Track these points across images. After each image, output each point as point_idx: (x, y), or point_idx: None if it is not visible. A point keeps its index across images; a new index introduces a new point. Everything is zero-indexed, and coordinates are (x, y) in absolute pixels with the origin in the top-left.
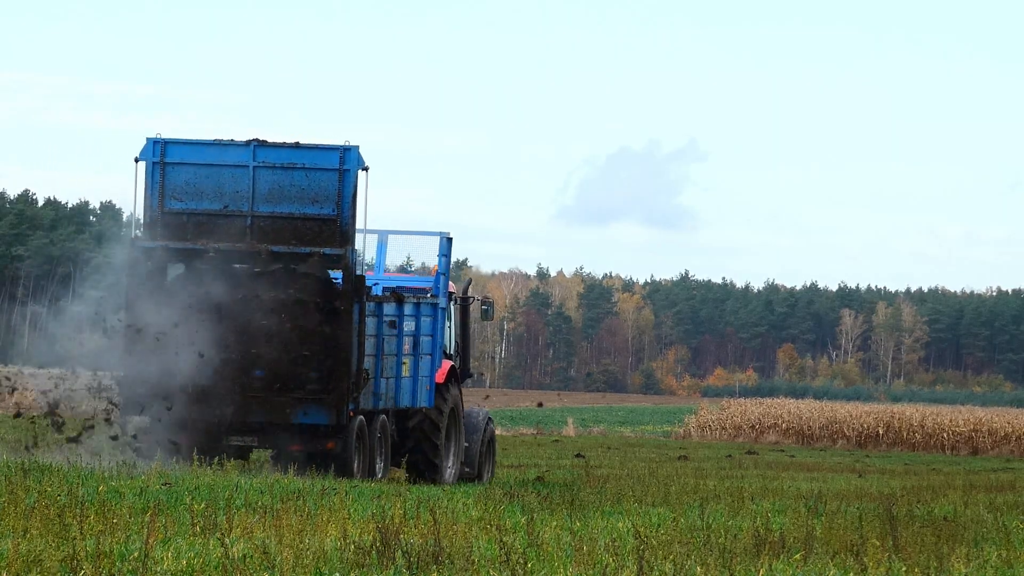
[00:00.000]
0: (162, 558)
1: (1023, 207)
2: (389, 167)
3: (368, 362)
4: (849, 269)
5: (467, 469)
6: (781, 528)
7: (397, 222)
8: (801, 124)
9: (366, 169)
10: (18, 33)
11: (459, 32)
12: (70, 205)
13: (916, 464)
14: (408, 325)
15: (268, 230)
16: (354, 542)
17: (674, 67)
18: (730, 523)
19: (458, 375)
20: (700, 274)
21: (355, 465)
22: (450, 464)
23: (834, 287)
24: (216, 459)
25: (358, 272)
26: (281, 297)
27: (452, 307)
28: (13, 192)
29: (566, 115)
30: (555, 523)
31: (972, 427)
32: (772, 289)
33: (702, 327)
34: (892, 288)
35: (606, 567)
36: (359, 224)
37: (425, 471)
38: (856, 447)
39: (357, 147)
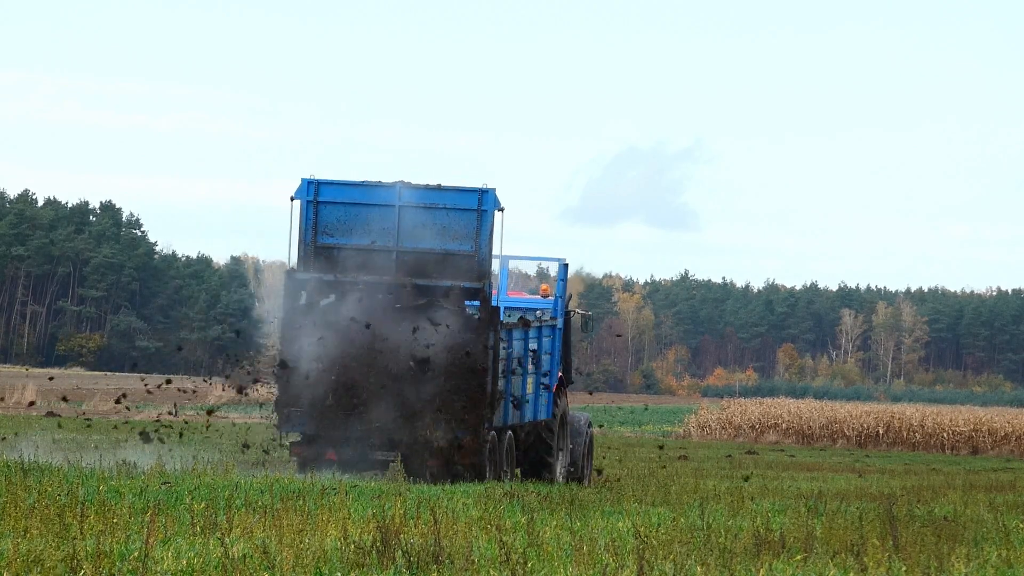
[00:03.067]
0: (162, 558)
1: (1023, 207)
2: (391, 165)
3: (499, 383)
4: (849, 269)
5: (571, 469)
6: (781, 528)
7: None
8: (802, 124)
9: (502, 210)
10: (18, 33)
11: (463, 30)
12: (70, 205)
13: (916, 464)
14: (531, 346)
15: (412, 264)
16: (354, 542)
17: (679, 68)
18: (730, 523)
19: (564, 384)
20: (700, 274)
21: (487, 475)
22: (560, 466)
23: (834, 287)
24: (359, 471)
25: (493, 303)
26: (424, 326)
27: None
28: (13, 192)
29: (569, 115)
30: (555, 523)
31: (972, 427)
32: (772, 289)
33: (702, 327)
34: (892, 288)
35: (606, 567)
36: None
37: (540, 472)
38: (856, 447)
39: (494, 190)
